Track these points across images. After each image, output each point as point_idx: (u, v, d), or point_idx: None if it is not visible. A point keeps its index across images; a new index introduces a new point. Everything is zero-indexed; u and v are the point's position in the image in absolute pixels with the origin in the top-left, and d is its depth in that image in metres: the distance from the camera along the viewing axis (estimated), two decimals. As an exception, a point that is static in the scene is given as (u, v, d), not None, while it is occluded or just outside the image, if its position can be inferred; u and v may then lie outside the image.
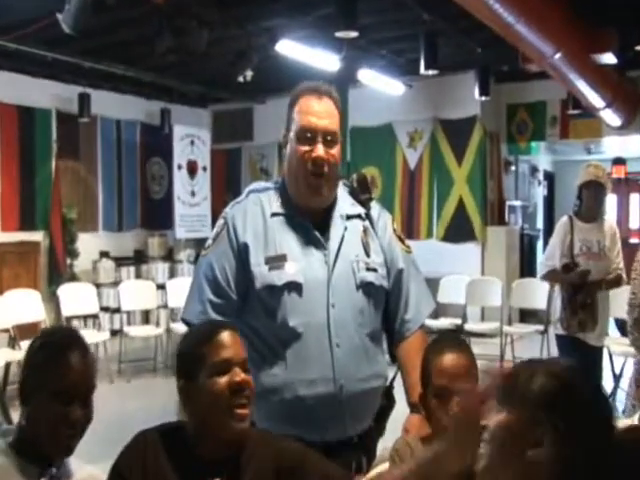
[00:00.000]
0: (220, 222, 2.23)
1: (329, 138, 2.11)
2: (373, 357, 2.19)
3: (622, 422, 2.08)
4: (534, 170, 12.99)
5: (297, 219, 2.17)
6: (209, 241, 2.23)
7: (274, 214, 2.17)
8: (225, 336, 1.68)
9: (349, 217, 2.23)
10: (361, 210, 2.28)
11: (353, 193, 2.30)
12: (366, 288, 2.17)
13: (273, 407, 2.09)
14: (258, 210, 2.18)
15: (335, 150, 2.13)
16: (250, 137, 11.66)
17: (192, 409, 1.67)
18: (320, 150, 2.10)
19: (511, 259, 9.97)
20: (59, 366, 1.66)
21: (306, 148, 2.10)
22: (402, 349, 2.28)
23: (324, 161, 2.10)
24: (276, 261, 2.10)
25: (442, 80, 9.48)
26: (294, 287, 2.08)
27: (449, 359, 1.87)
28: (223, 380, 1.63)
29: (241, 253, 2.13)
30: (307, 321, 2.08)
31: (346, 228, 2.20)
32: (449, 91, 9.83)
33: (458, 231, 9.93)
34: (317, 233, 2.16)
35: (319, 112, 2.12)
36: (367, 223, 2.27)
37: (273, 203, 2.19)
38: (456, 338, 2.15)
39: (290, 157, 2.16)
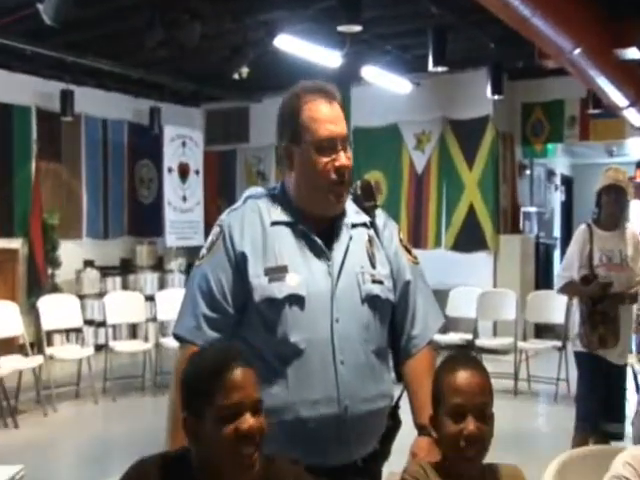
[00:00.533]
0: (215, 230, 2.22)
1: (345, 144, 2.14)
2: (379, 375, 2.19)
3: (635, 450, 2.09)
4: (551, 174, 13.01)
5: (299, 228, 2.17)
6: (203, 250, 2.22)
7: (274, 222, 2.17)
8: (238, 374, 1.61)
9: (354, 226, 2.24)
10: (366, 218, 2.28)
11: (357, 200, 2.31)
12: (372, 302, 2.17)
13: (272, 429, 2.09)
14: (256, 218, 2.18)
15: (349, 154, 2.16)
16: (246, 138, 11.69)
17: (196, 445, 1.64)
18: (343, 159, 2.12)
19: (526, 270, 9.98)
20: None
21: (328, 159, 2.12)
22: (409, 367, 2.27)
23: (346, 169, 2.14)
24: (276, 272, 2.09)
25: (452, 78, 9.52)
26: (295, 300, 2.08)
27: (464, 376, 1.88)
28: (231, 427, 1.57)
29: (238, 264, 2.13)
30: (309, 337, 2.08)
31: (351, 237, 2.21)
32: (459, 89, 9.87)
33: (468, 240, 9.94)
34: (320, 243, 2.17)
35: (334, 119, 2.14)
36: (372, 232, 2.27)
37: (272, 210, 2.19)
38: (469, 355, 2.15)
39: (305, 169, 2.15)
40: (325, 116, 2.12)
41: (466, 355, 2.14)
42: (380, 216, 2.33)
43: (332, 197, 2.14)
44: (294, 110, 2.15)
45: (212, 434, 1.58)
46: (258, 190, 2.31)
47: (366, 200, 2.31)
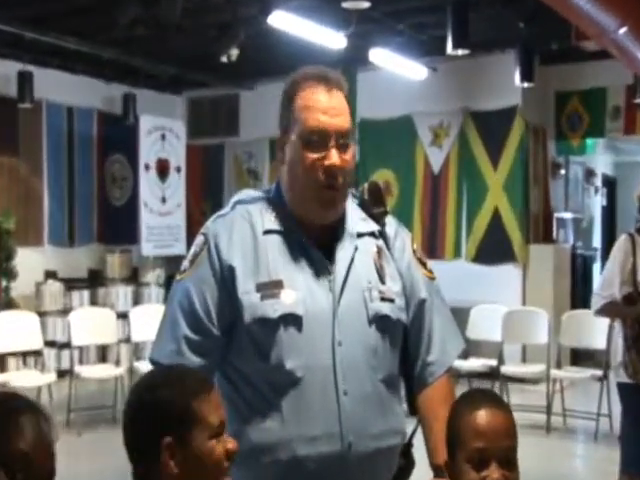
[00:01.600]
0: (199, 240, 2.23)
1: (342, 140, 2.12)
2: (389, 408, 2.20)
3: None
4: (590, 174, 13.02)
5: (296, 237, 2.18)
6: (185, 263, 2.23)
7: (267, 231, 2.18)
8: (215, 393, 1.81)
9: (360, 235, 2.25)
10: (374, 226, 2.29)
11: (364, 206, 2.32)
12: (380, 322, 2.17)
13: (264, 470, 2.10)
14: (247, 226, 2.19)
15: (349, 154, 2.14)
16: (235, 131, 11.72)
17: (181, 471, 1.74)
18: (334, 157, 2.10)
19: (560, 285, 9.99)
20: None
21: (315, 155, 2.11)
22: (424, 398, 2.28)
23: (339, 170, 2.11)
24: (270, 288, 2.10)
25: (474, 62, 9.55)
26: (292, 320, 2.09)
27: (486, 416, 1.90)
28: (220, 446, 1.77)
29: (225, 278, 2.14)
30: (308, 363, 2.09)
31: (356, 248, 2.22)
32: (483, 76, 9.89)
33: (493, 250, 9.95)
34: (320, 254, 2.18)
35: (330, 108, 2.12)
36: (381, 242, 2.28)
37: (266, 217, 2.20)
38: (489, 391, 2.16)
39: (292, 165, 2.16)
40: (318, 104, 2.12)
41: (487, 391, 2.15)
42: (391, 224, 2.34)
43: (319, 203, 2.14)
44: (289, 97, 2.17)
45: (203, 455, 1.75)
46: (249, 193, 2.31)
47: (374, 205, 2.32)
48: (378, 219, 2.31)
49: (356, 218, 2.28)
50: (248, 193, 2.32)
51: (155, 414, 1.75)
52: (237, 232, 2.18)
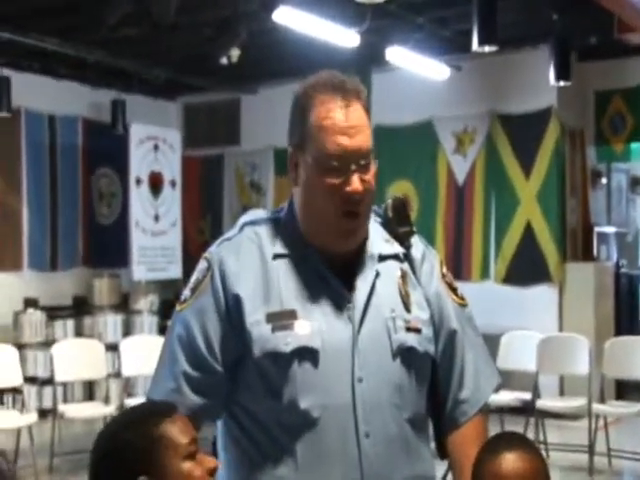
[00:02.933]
0: (202, 265, 2.22)
1: (363, 162, 2.11)
2: (415, 451, 2.20)
3: None
4: (635, 183, 13.01)
5: (310, 262, 2.18)
6: (186, 292, 2.22)
7: (278, 255, 2.18)
8: (179, 415, 1.90)
9: (382, 258, 2.24)
10: (399, 249, 2.28)
11: (388, 225, 2.31)
12: (406, 356, 2.16)
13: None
14: (256, 250, 2.19)
15: (371, 173, 2.13)
16: (236, 140, 11.76)
17: None
18: (355, 183, 2.09)
19: (602, 308, 9.96)
20: None
21: (335, 181, 2.10)
22: (455, 440, 2.28)
23: (361, 196, 2.11)
24: (282, 319, 2.10)
25: (503, 59, 9.57)
26: (307, 355, 2.08)
27: (511, 462, 1.90)
28: (199, 467, 1.85)
29: (230, 309, 2.13)
30: (325, 402, 2.08)
31: (378, 273, 2.21)
32: (512, 74, 9.92)
33: (525, 270, 9.95)
34: (338, 280, 2.17)
35: (349, 128, 2.10)
36: (406, 266, 2.28)
37: (277, 240, 2.20)
38: (517, 434, 2.16)
39: (308, 190, 2.15)
40: (337, 125, 2.10)
41: (514, 434, 2.15)
42: (417, 245, 2.33)
43: (337, 232, 2.14)
44: (302, 110, 2.16)
45: (185, 475, 1.82)
46: (258, 214, 2.31)
47: (400, 224, 2.32)
48: (403, 240, 2.30)
49: (378, 239, 2.27)
50: (257, 213, 2.32)
51: (120, 462, 1.80)
52: (244, 257, 2.18)
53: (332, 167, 2.09)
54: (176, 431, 1.82)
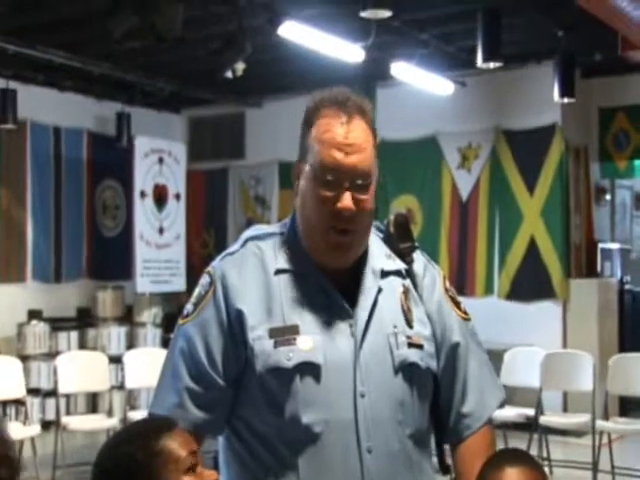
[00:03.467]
0: (204, 280, 2.24)
1: (360, 182, 2.12)
2: (418, 467, 2.20)
3: None
4: (639, 200, 13.00)
5: (313, 278, 2.19)
6: (189, 306, 2.23)
7: (281, 270, 2.19)
8: (179, 429, 1.91)
9: (384, 274, 2.25)
10: (401, 265, 2.29)
11: (389, 241, 2.32)
12: (407, 371, 2.17)
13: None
14: (259, 264, 2.20)
15: (367, 195, 2.14)
16: (240, 154, 11.77)
17: None
18: (346, 200, 2.10)
19: (606, 325, 9.95)
20: None
21: (328, 194, 2.12)
22: (459, 454, 2.27)
23: (351, 214, 2.12)
24: (284, 334, 2.11)
25: (507, 75, 9.58)
26: (309, 370, 2.09)
27: (511, 477, 1.91)
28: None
29: (233, 324, 2.14)
30: (327, 417, 2.09)
31: (380, 290, 2.22)
32: (517, 91, 9.92)
33: (529, 285, 9.94)
34: (340, 296, 2.18)
35: (346, 145, 2.12)
36: (408, 282, 2.29)
37: (279, 255, 2.21)
38: (519, 451, 2.17)
39: (304, 199, 2.18)
40: (335, 140, 2.12)
41: (516, 450, 2.16)
42: (419, 260, 2.34)
43: (326, 246, 2.15)
44: (308, 122, 2.19)
45: None
46: (262, 228, 2.32)
47: (401, 240, 2.33)
48: (405, 255, 2.31)
49: (380, 255, 2.28)
50: (260, 228, 2.33)
51: (121, 476, 1.82)
52: (247, 271, 2.19)
53: (326, 180, 2.11)
54: (176, 445, 1.83)
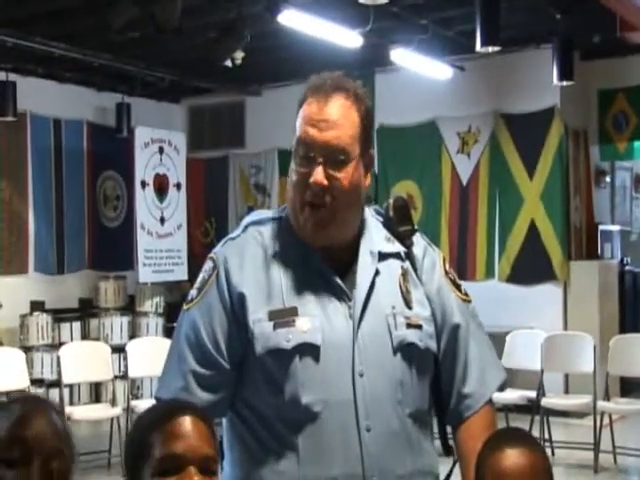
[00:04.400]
0: (208, 265, 2.26)
1: (335, 157, 2.14)
2: (418, 446, 2.21)
3: None
4: (639, 181, 12.99)
5: (311, 260, 2.21)
6: (193, 291, 2.26)
7: (279, 254, 2.22)
8: (181, 423, 1.70)
9: (383, 256, 2.27)
10: (400, 248, 2.31)
11: (389, 224, 2.34)
12: (406, 351, 2.18)
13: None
14: (259, 249, 2.23)
15: (344, 172, 2.15)
16: (240, 142, 11.77)
17: None
18: (317, 175, 2.12)
19: (606, 306, 9.96)
20: None
21: (303, 170, 2.15)
22: (460, 435, 2.29)
23: (322, 189, 2.13)
24: (283, 316, 2.13)
25: (506, 59, 9.57)
26: (308, 351, 2.11)
27: (511, 457, 1.90)
28: None
29: (235, 308, 2.17)
30: (326, 397, 2.10)
31: (378, 271, 2.24)
32: (516, 74, 9.91)
33: (530, 268, 9.95)
34: (337, 279, 2.20)
35: (320, 119, 2.14)
36: (407, 264, 2.30)
37: (278, 239, 2.24)
38: (519, 430, 2.17)
39: (290, 177, 2.22)
40: (308, 116, 2.16)
41: (516, 430, 2.15)
42: (419, 243, 2.35)
43: (303, 221, 2.18)
44: (299, 107, 2.22)
45: None
46: (262, 214, 2.35)
47: (400, 224, 2.34)
48: (404, 238, 2.33)
49: (379, 238, 2.30)
50: (261, 213, 2.36)
51: (126, 453, 1.78)
52: (248, 256, 2.22)
53: (302, 156, 2.15)
54: (159, 441, 1.68)
